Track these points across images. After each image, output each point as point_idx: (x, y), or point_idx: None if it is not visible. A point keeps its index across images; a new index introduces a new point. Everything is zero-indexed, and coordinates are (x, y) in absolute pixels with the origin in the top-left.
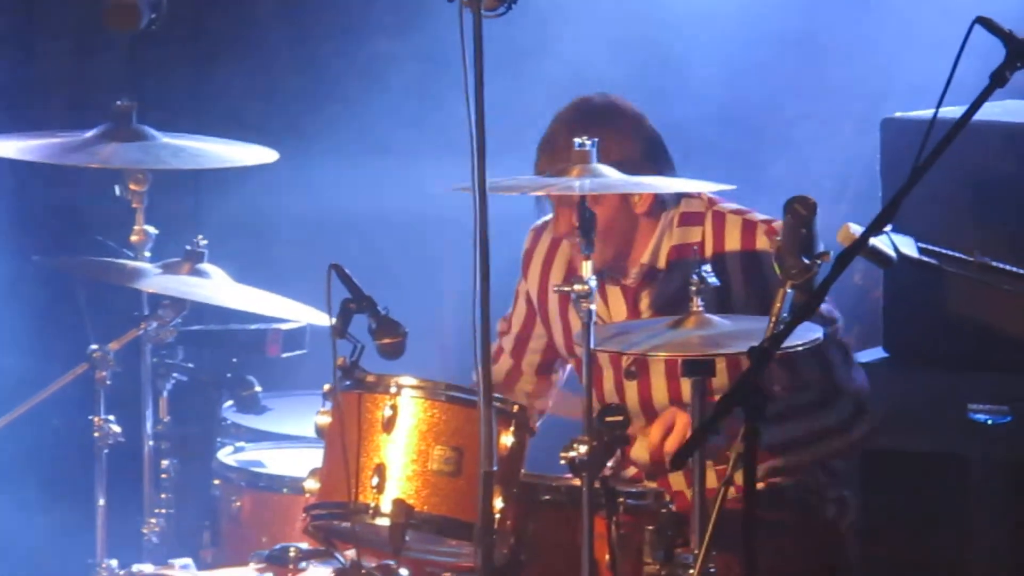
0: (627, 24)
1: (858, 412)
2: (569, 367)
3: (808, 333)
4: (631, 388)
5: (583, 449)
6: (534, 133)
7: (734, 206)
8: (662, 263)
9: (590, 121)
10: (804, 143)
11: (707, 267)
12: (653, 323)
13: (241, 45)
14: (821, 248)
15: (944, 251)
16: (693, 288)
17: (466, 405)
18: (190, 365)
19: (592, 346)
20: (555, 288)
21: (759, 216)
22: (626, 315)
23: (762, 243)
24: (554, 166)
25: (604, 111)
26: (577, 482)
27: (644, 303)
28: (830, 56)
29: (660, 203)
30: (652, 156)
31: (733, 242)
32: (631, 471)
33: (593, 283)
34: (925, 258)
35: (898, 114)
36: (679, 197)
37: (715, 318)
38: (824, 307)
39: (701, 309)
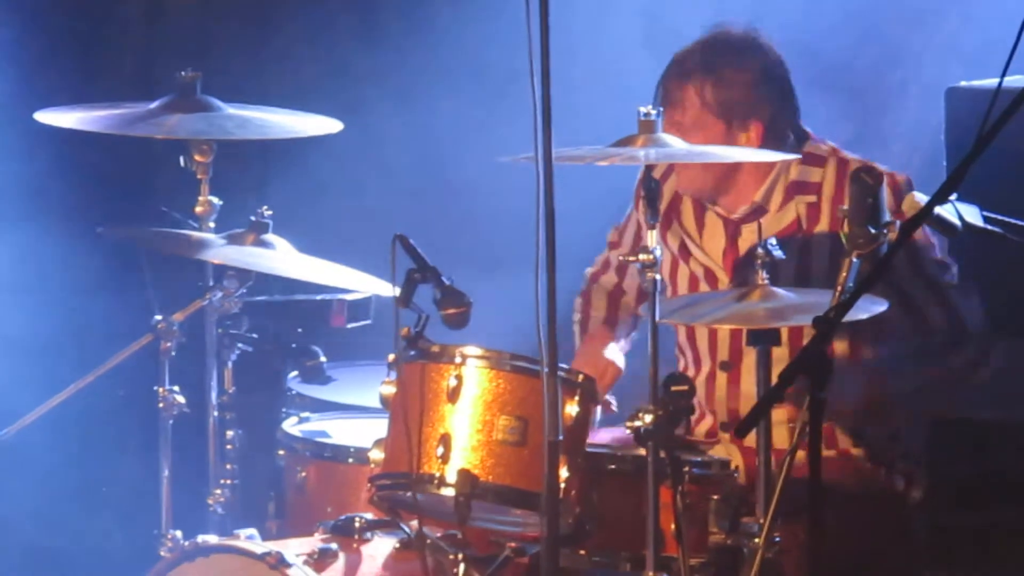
0: None
1: (982, 356)
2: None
3: (872, 305)
4: (721, 380)
5: (648, 419)
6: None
7: (858, 156)
8: (774, 204)
9: (719, 55)
10: (871, 111)
11: (773, 240)
12: (719, 295)
13: (304, 15)
14: (887, 218)
15: (1009, 220)
16: (759, 262)
17: (531, 375)
18: (255, 336)
19: (658, 317)
20: (620, 258)
21: (883, 167)
22: (724, 246)
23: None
24: (673, 90)
25: (739, 47)
26: (642, 451)
27: (745, 237)
28: (896, 24)
29: (772, 142)
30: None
31: None
32: (706, 425)
33: (659, 253)
34: (990, 227)
35: (963, 83)
36: (803, 138)
37: (781, 291)
38: (937, 254)
39: (767, 281)
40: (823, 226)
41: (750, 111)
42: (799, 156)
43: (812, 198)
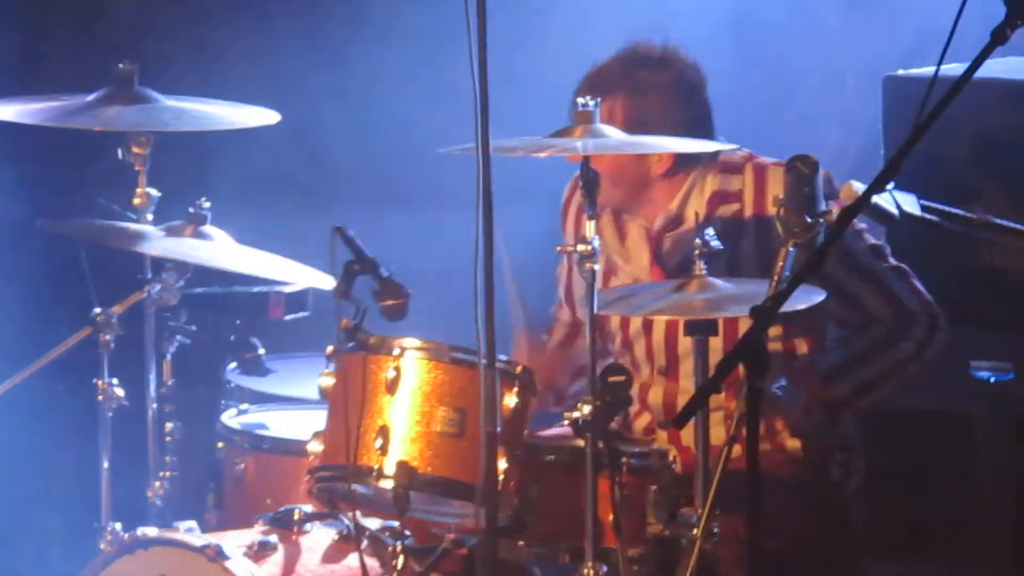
0: None
1: (931, 329)
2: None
3: (809, 295)
4: (659, 384)
5: (587, 410)
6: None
7: (772, 159)
8: (690, 213)
9: (640, 68)
10: (806, 101)
11: (711, 230)
12: (657, 286)
13: (242, 6)
14: (823, 207)
15: (946, 208)
16: (697, 252)
17: (470, 366)
18: (193, 328)
19: (596, 309)
20: (559, 248)
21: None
22: (648, 258)
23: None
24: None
25: (655, 62)
26: (580, 443)
27: (667, 248)
28: (832, 13)
29: (683, 163)
30: (690, 123)
31: (777, 191)
32: (644, 421)
33: (597, 243)
34: (927, 215)
35: (900, 72)
36: (714, 154)
37: (718, 281)
38: (871, 240)
39: (704, 272)
40: (750, 236)
41: (662, 130)
42: (735, 147)
43: (735, 206)
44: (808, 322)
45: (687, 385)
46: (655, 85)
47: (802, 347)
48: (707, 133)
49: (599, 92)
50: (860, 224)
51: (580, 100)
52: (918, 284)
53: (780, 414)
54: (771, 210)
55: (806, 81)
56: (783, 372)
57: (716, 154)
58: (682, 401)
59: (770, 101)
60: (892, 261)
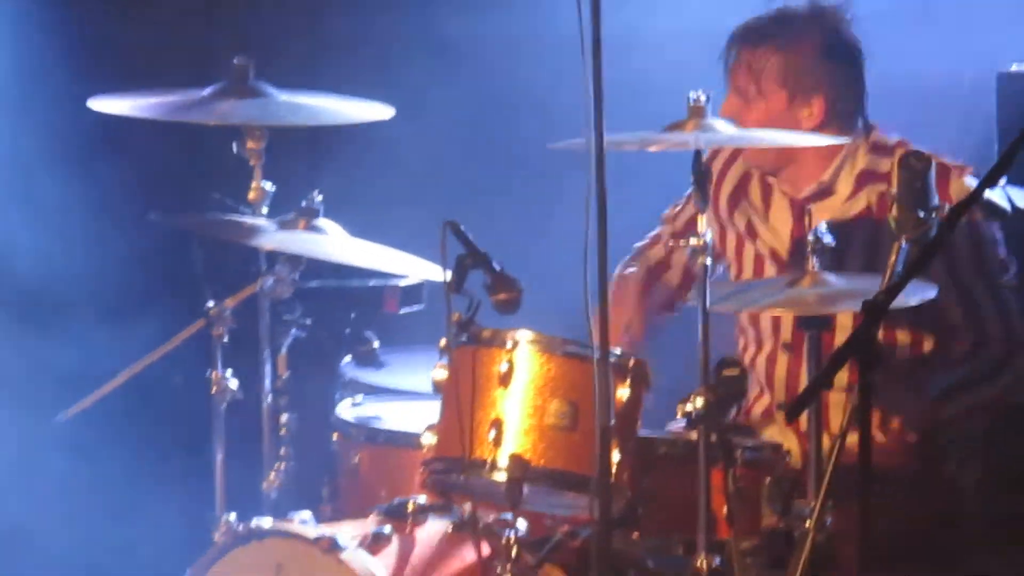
0: None
1: None
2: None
3: (921, 290)
4: (782, 360)
5: (699, 402)
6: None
7: (924, 150)
8: (843, 187)
9: (792, 20)
10: (922, 97)
11: (823, 226)
12: (769, 282)
13: (357, 1)
14: (935, 202)
15: None
16: (809, 248)
17: (582, 359)
18: (308, 321)
19: (708, 304)
20: (670, 243)
21: (951, 161)
22: (790, 226)
23: (955, 187)
24: (739, 56)
25: (807, 17)
26: (694, 435)
27: (812, 218)
28: (949, 7)
29: (834, 123)
30: (843, 78)
31: None
32: (762, 405)
33: (709, 237)
34: None
35: (1015, 67)
36: (869, 127)
37: (831, 276)
38: (1000, 252)
39: (817, 268)
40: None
41: (815, 86)
42: (848, 140)
43: (884, 186)
44: (933, 319)
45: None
46: (807, 36)
47: (928, 343)
48: (859, 94)
49: (750, 44)
50: (998, 234)
51: (692, 95)
52: None
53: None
54: None
55: (922, 77)
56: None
57: (869, 130)
58: (804, 381)
59: (885, 97)
60: (1014, 278)
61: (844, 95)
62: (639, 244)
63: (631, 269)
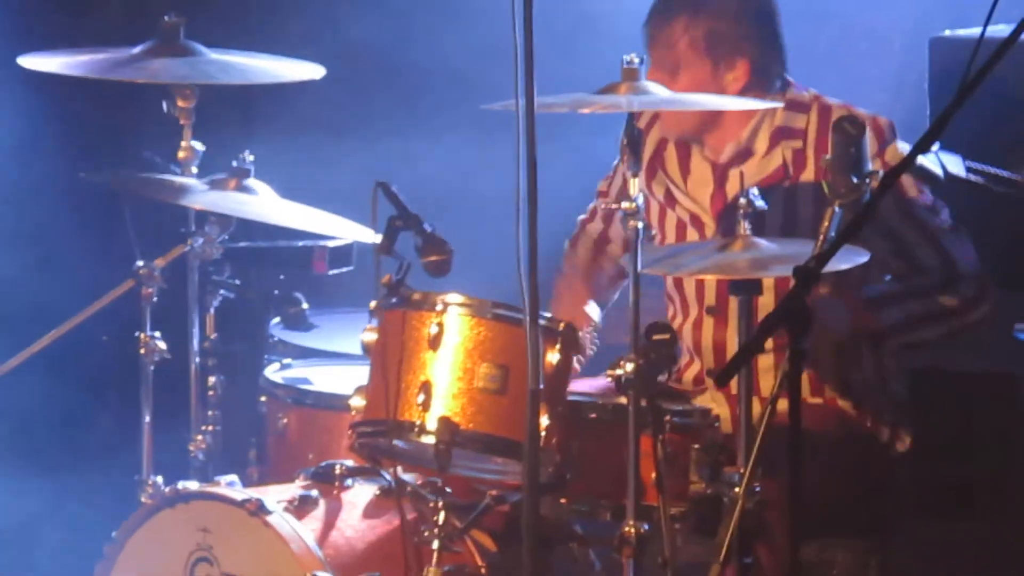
0: None
1: (980, 293)
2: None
3: (854, 255)
4: (708, 325)
5: (629, 367)
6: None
7: (839, 101)
8: (760, 145)
9: None
10: (852, 60)
11: (755, 190)
12: (701, 246)
13: None
14: (869, 167)
15: (991, 170)
16: (740, 212)
17: (512, 323)
18: (237, 282)
19: (640, 268)
20: (603, 205)
21: (865, 112)
22: (711, 191)
23: (889, 153)
24: (659, 29)
25: None
26: (623, 400)
27: (732, 182)
28: None
29: (758, 83)
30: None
31: None
32: (693, 371)
33: (641, 201)
34: (972, 177)
35: (947, 32)
36: (786, 84)
37: (762, 241)
38: (927, 198)
39: (748, 232)
40: (808, 173)
41: (736, 49)
42: (781, 104)
43: (798, 143)
44: (862, 276)
45: (735, 334)
46: (722, 9)
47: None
48: (780, 52)
49: (666, 17)
50: (920, 184)
51: (626, 57)
52: (971, 248)
53: (825, 330)
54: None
55: (853, 42)
56: (830, 288)
57: (787, 88)
58: (731, 344)
59: (816, 62)
60: (948, 220)
61: (766, 53)
62: (581, 218)
63: (578, 263)
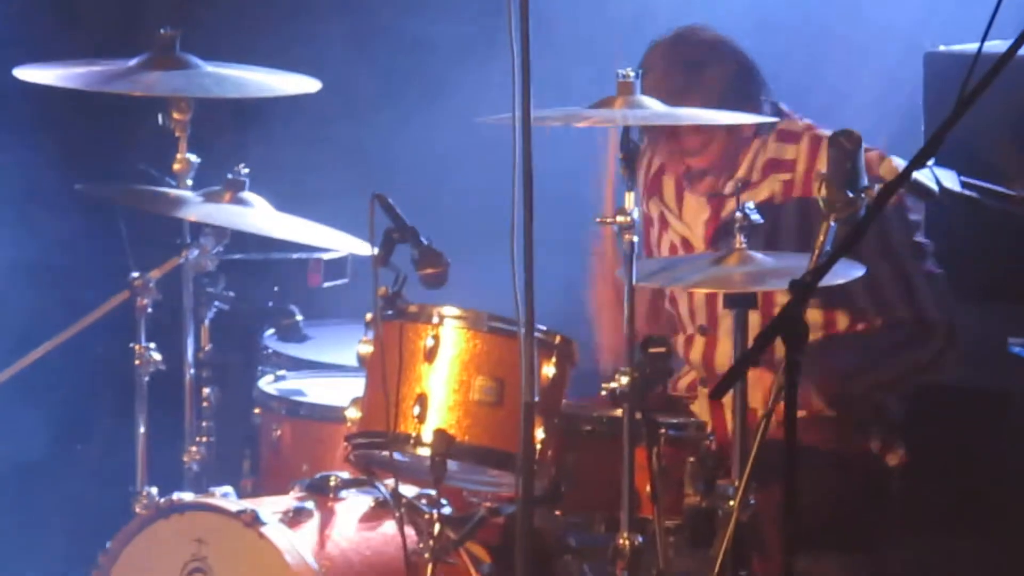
0: None
1: (948, 343)
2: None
3: (850, 269)
4: (699, 344)
5: (624, 380)
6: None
7: (831, 131)
8: (755, 175)
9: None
10: (846, 74)
11: (751, 204)
12: (696, 259)
13: None
14: (865, 182)
15: (986, 185)
16: (737, 226)
17: (508, 335)
18: (231, 294)
19: (635, 280)
20: (598, 220)
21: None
22: (706, 216)
23: (884, 168)
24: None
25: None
26: (618, 413)
27: (728, 209)
28: None
29: (761, 125)
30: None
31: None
32: (688, 379)
33: (636, 215)
34: (967, 192)
35: (942, 47)
36: (779, 111)
37: (758, 255)
38: (918, 237)
39: (744, 246)
40: (793, 204)
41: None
42: (776, 119)
43: (787, 175)
44: (849, 295)
45: (726, 345)
46: (705, 81)
47: (842, 320)
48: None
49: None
50: (915, 216)
51: (621, 72)
52: (945, 296)
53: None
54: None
55: (846, 56)
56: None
57: (779, 117)
58: (720, 361)
59: (810, 76)
60: (930, 265)
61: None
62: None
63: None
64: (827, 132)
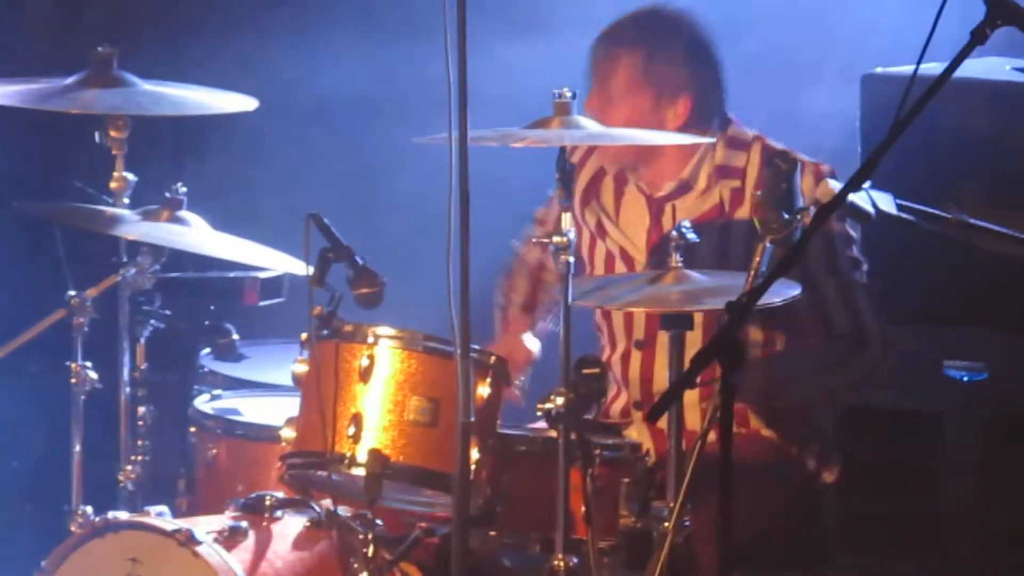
0: None
1: (884, 352)
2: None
3: (786, 289)
4: (636, 358)
5: (560, 401)
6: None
7: (782, 145)
8: (700, 182)
9: (651, 26)
10: (781, 97)
11: (687, 223)
12: (632, 278)
13: None
14: (801, 204)
15: (922, 208)
16: (673, 244)
17: (443, 356)
18: (168, 312)
19: (571, 300)
20: (533, 239)
21: (806, 157)
22: (647, 225)
23: (806, 183)
24: (604, 58)
25: (671, 21)
26: (553, 434)
27: (668, 216)
28: (809, 9)
29: (698, 121)
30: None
31: None
32: (620, 404)
33: (572, 235)
34: (903, 215)
35: (879, 69)
36: (726, 122)
37: (694, 274)
38: (855, 251)
39: (680, 264)
40: (744, 211)
41: (680, 85)
42: (713, 140)
43: (736, 183)
44: (785, 317)
45: (663, 368)
46: (676, 36)
47: (781, 338)
48: (720, 94)
49: (619, 43)
50: (852, 232)
51: (557, 92)
52: (879, 308)
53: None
54: None
55: (783, 76)
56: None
57: (727, 125)
58: (658, 378)
59: (746, 95)
60: (864, 276)
61: (707, 95)
62: (516, 243)
63: (515, 297)
64: (777, 144)
